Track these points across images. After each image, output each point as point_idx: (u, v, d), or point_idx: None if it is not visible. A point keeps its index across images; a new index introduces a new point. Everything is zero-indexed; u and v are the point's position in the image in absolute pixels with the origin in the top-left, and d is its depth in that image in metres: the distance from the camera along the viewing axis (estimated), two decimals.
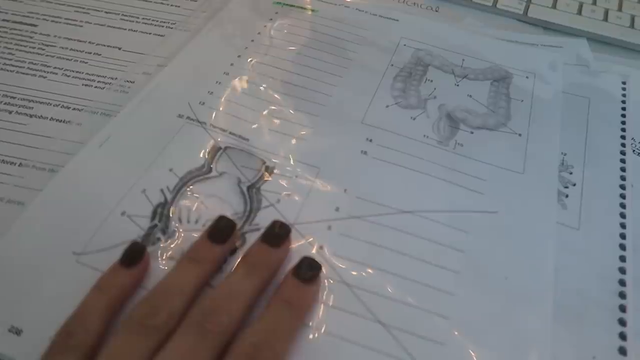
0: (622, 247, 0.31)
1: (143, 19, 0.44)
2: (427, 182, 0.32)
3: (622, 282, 0.29)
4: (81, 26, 0.43)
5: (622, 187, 0.34)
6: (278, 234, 0.27)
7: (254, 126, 0.34)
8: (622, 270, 0.30)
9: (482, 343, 0.26)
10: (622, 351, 0.26)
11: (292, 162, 0.33)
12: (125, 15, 0.45)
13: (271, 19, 0.43)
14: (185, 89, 0.36)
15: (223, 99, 0.36)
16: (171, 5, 0.46)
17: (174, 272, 0.26)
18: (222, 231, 0.27)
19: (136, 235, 0.28)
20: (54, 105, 0.36)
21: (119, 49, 0.41)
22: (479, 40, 0.43)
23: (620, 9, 0.49)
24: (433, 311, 0.27)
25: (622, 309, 0.28)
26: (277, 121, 0.35)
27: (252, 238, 0.29)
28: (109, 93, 0.37)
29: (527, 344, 0.26)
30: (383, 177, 0.32)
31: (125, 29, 0.43)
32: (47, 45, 0.41)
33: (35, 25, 0.43)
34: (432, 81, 0.39)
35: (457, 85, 0.39)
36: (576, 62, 0.42)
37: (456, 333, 0.26)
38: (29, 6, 0.44)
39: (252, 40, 0.41)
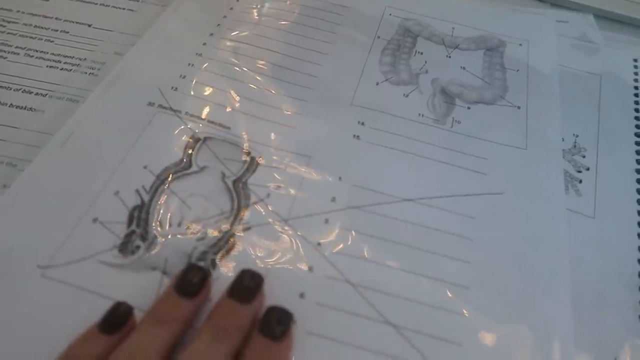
0: None
1: None
2: (426, 165, 0.30)
3: None
4: (47, 0, 0.39)
5: (639, 171, 0.32)
6: (248, 286, 0.23)
7: (235, 113, 0.31)
8: None
9: (501, 339, 0.24)
10: None
11: (279, 151, 0.30)
12: None
13: None
14: (155, 73, 0.32)
15: (197, 83, 0.32)
16: None
17: (137, 335, 0.21)
18: (192, 284, 0.23)
19: (112, 244, 0.25)
20: (14, 90, 0.33)
21: (89, 25, 0.37)
22: (468, 6, 0.40)
23: None
24: (447, 308, 0.25)
25: None
26: (260, 106, 0.32)
27: (242, 239, 0.26)
28: (77, 76, 0.34)
29: (548, 336, 0.24)
30: (379, 162, 0.30)
31: (97, 4, 0.39)
32: (9, 22, 0.37)
33: None
34: (422, 53, 0.36)
35: (449, 57, 0.36)
36: (582, 38, 0.40)
37: (473, 330, 0.24)
38: None
39: (225, 17, 0.37)
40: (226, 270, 0.25)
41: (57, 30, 0.37)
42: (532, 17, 0.40)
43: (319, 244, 0.26)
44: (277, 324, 0.22)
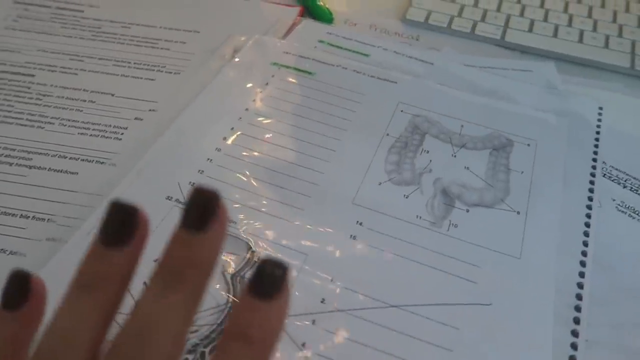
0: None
1: (135, 63, 0.45)
2: (417, 271, 0.31)
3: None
4: (76, 74, 0.44)
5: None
6: (201, 207, 0.17)
7: (242, 208, 0.34)
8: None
9: None
10: None
11: (279, 247, 0.32)
12: (118, 61, 0.46)
13: (267, 83, 0.43)
14: (176, 167, 0.36)
15: (212, 178, 0.35)
16: (161, 49, 0.47)
17: (64, 309, 0.17)
18: (121, 226, 0.17)
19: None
20: (51, 156, 0.38)
21: (112, 95, 0.42)
22: (479, 103, 0.42)
23: (595, 29, 0.49)
24: None
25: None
26: (266, 202, 0.34)
27: None
28: (104, 140, 0.39)
29: None
30: (372, 265, 0.32)
31: (118, 75, 0.44)
32: (44, 95, 0.42)
33: (32, 75, 0.44)
34: (428, 152, 0.38)
35: (454, 156, 0.38)
36: (546, 85, 0.44)
37: None
38: (26, 56, 0.46)
39: (247, 110, 0.40)
40: None
41: (85, 101, 0.42)
42: (543, 116, 0.41)
43: (303, 344, 0.28)
44: (271, 282, 0.17)
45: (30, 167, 0.37)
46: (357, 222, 0.33)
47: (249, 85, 0.42)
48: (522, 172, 0.37)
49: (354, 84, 0.43)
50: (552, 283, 0.31)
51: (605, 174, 0.38)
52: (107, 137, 0.39)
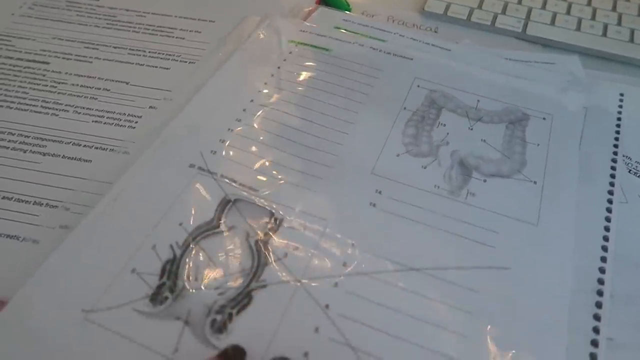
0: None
1: (149, 52, 0.46)
2: (436, 236, 0.32)
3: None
4: (91, 62, 0.45)
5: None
6: None
7: (263, 177, 0.35)
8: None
9: None
10: None
11: (300, 213, 0.33)
12: (133, 50, 0.46)
13: (285, 60, 0.43)
14: (198, 137, 0.37)
15: (234, 147, 0.36)
16: (176, 38, 0.47)
17: None
18: None
19: (145, 293, 0.29)
20: (65, 143, 0.38)
21: (127, 83, 0.43)
22: (495, 79, 0.42)
23: (619, 23, 0.49)
24: None
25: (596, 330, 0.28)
26: (286, 170, 0.35)
27: (258, 295, 0.29)
28: (118, 129, 0.39)
29: None
30: (392, 231, 0.32)
31: (133, 63, 0.45)
32: (59, 83, 0.43)
33: (47, 63, 0.44)
34: (445, 125, 0.39)
35: (471, 129, 0.38)
36: (570, 78, 0.43)
37: None
38: (41, 44, 0.46)
39: (266, 83, 0.41)
40: (241, 323, 0.28)
41: (99, 89, 0.42)
42: (558, 91, 0.41)
43: (327, 306, 0.29)
44: None
45: (44, 154, 0.37)
46: (377, 190, 0.34)
47: (267, 60, 0.43)
48: (538, 145, 0.37)
49: (370, 60, 0.43)
50: (570, 249, 0.32)
51: (630, 170, 0.37)
52: (121, 125, 0.39)
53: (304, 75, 0.42)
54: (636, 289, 0.31)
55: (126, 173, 0.34)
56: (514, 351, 0.27)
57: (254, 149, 0.36)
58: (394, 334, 0.28)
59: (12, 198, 0.34)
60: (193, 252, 0.31)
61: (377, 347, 0.27)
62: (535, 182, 0.35)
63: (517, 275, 0.30)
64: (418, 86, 0.41)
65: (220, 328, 0.28)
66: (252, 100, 0.40)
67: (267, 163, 0.35)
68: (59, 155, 0.37)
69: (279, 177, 0.35)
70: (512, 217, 0.33)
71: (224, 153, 0.36)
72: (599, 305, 0.30)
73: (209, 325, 0.28)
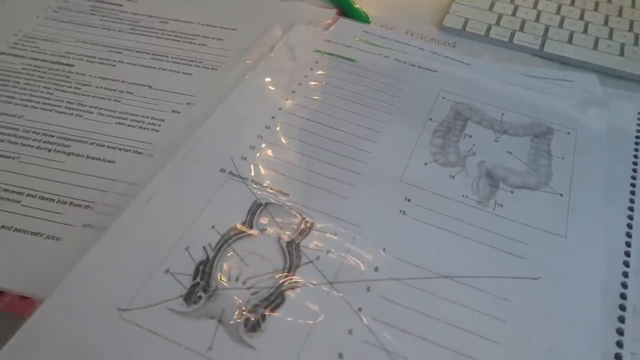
0: None
1: (172, 57, 0.46)
2: (466, 245, 0.32)
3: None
4: (114, 65, 0.45)
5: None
6: None
7: (294, 182, 0.35)
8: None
9: None
10: None
11: (332, 218, 0.33)
12: (156, 55, 0.46)
13: (311, 69, 0.44)
14: (228, 142, 0.37)
15: (264, 153, 0.36)
16: (199, 45, 0.48)
17: None
18: None
19: (179, 293, 0.29)
20: (89, 144, 0.38)
21: (150, 87, 0.43)
22: (519, 93, 0.43)
23: (636, 43, 0.49)
24: None
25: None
26: (318, 177, 0.35)
27: (290, 296, 0.29)
28: (141, 131, 0.39)
29: None
30: (422, 238, 0.32)
31: (156, 68, 0.45)
32: (83, 85, 0.43)
33: (71, 65, 0.45)
34: (471, 136, 0.39)
35: (497, 141, 0.39)
36: (590, 96, 0.43)
37: None
38: (65, 46, 0.47)
39: (293, 92, 0.42)
40: (275, 323, 0.28)
41: (123, 92, 0.43)
42: (583, 106, 0.42)
43: (359, 309, 0.29)
44: None
45: (68, 154, 0.37)
46: (406, 198, 0.34)
47: (294, 69, 0.43)
48: (563, 158, 0.38)
49: (396, 71, 0.44)
50: (601, 261, 0.32)
51: None
52: (144, 128, 0.39)
53: (330, 84, 0.43)
54: None
55: (157, 176, 0.35)
56: (549, 350, 0.28)
57: (283, 155, 0.37)
58: (432, 340, 0.28)
59: (36, 196, 0.35)
60: (225, 253, 0.31)
61: (412, 351, 0.27)
62: (561, 195, 0.35)
63: (548, 285, 0.31)
64: (443, 98, 0.42)
65: (254, 327, 0.28)
66: (280, 108, 0.40)
67: (296, 169, 0.36)
68: (83, 156, 0.37)
69: (309, 183, 0.35)
70: (540, 229, 0.33)
71: (254, 159, 0.36)
72: (621, 319, 0.30)
73: (243, 323, 0.28)
